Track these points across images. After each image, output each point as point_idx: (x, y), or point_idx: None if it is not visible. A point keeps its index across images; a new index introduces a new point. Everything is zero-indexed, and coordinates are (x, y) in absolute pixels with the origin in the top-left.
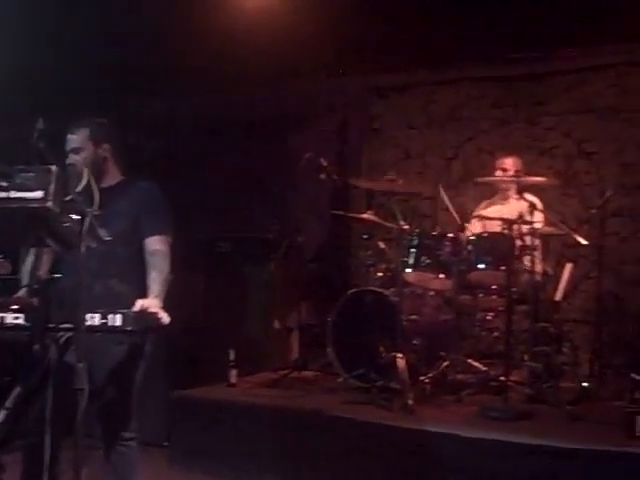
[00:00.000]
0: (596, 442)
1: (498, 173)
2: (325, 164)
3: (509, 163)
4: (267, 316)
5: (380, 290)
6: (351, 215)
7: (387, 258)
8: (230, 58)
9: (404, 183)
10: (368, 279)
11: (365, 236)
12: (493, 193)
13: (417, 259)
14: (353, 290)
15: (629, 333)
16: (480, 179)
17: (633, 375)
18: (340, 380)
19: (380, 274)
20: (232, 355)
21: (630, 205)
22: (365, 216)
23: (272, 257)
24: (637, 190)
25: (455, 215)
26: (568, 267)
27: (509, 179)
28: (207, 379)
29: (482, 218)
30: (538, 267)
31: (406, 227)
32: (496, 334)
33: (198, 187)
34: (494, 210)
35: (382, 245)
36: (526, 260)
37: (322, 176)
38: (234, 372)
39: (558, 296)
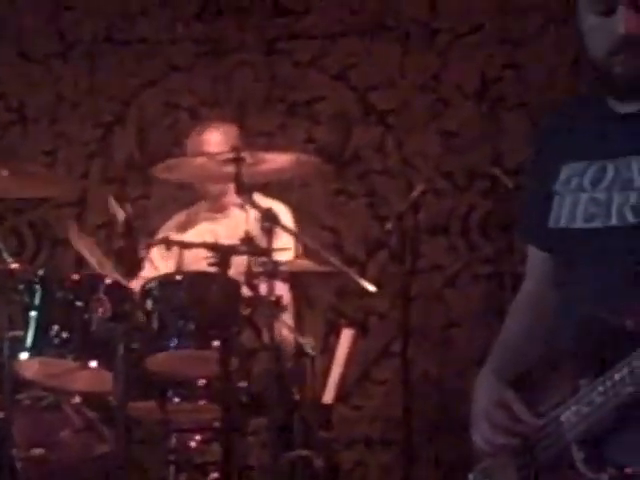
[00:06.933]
0: None
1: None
2: None
3: (215, 139)
4: None
5: None
6: None
7: None
8: None
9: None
10: None
11: None
12: (196, 197)
13: (42, 332)
14: None
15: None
16: (162, 169)
17: None
18: None
19: None
20: None
21: (461, 212)
22: None
23: None
24: (470, 183)
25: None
26: (346, 337)
27: (218, 162)
28: None
29: (172, 245)
30: (287, 338)
31: (16, 267)
32: (214, 477)
33: None
34: (197, 230)
35: None
36: (264, 326)
37: None
38: None
39: (329, 395)
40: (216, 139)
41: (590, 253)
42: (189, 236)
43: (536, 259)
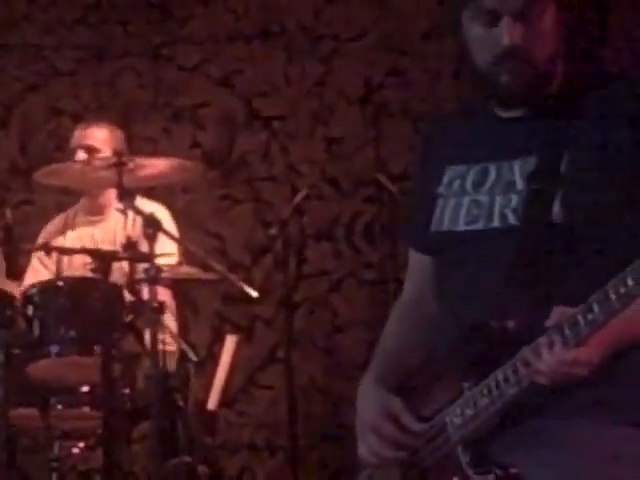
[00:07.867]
0: None
1: (79, 156)
2: None
3: (97, 136)
4: None
5: None
6: None
7: None
8: None
9: None
10: None
11: None
12: (74, 199)
13: None
14: None
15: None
16: (45, 174)
17: None
18: None
19: None
20: None
21: (346, 217)
22: None
23: None
24: (355, 188)
25: None
26: (230, 343)
27: (97, 166)
28: None
29: (52, 250)
30: (170, 345)
31: None
32: None
33: None
34: (76, 234)
35: None
36: (147, 333)
37: None
38: None
39: (213, 402)
40: (101, 135)
41: (472, 255)
42: (68, 240)
43: (417, 263)
